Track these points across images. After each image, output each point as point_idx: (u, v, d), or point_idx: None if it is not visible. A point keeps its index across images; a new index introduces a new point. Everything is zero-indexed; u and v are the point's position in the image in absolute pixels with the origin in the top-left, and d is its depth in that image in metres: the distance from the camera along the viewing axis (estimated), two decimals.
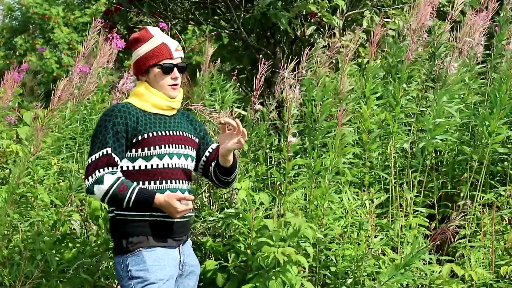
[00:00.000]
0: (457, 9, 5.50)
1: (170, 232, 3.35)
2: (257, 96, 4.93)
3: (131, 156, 3.34)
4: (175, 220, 3.34)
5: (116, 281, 4.42)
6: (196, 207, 4.67)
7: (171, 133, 3.40)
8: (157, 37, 3.43)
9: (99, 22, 5.15)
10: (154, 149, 3.33)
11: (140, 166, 3.34)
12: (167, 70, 3.40)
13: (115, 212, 3.36)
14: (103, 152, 3.30)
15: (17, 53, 19.04)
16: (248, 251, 4.26)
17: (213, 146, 3.58)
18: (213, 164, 3.54)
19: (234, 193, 4.72)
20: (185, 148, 3.43)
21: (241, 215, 4.28)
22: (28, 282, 4.07)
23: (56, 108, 4.39)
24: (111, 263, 4.43)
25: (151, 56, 3.40)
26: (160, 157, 3.34)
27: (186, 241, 3.46)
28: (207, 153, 3.56)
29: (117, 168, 3.31)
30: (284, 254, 4.04)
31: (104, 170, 3.28)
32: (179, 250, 3.40)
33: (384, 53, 5.87)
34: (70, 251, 4.33)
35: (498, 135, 4.99)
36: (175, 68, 3.42)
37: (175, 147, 3.39)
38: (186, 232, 3.45)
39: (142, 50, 3.42)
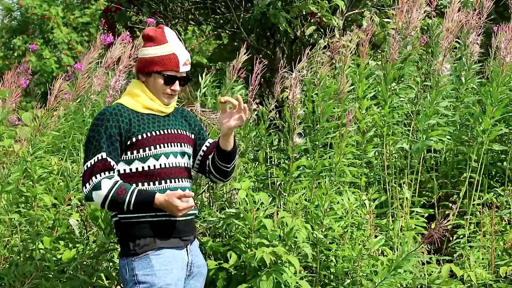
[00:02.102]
0: (455, 8, 5.49)
1: (176, 231, 3.31)
2: (253, 96, 4.94)
3: (127, 158, 3.30)
4: (180, 218, 3.31)
5: (116, 282, 4.41)
6: (196, 207, 4.66)
7: (165, 132, 3.36)
8: (171, 44, 3.35)
9: (101, 23, 5.16)
10: (150, 150, 3.29)
11: (137, 168, 3.30)
12: (169, 81, 3.35)
13: (118, 216, 3.31)
14: (98, 157, 3.25)
15: (16, 54, 19.04)
16: (249, 251, 4.26)
17: (210, 141, 3.53)
18: (210, 157, 3.49)
19: (234, 193, 4.71)
20: (181, 145, 3.39)
21: (241, 215, 4.28)
22: (27, 282, 4.07)
23: (53, 107, 4.39)
24: (110, 264, 4.43)
25: (157, 62, 3.34)
26: (156, 157, 3.30)
27: (193, 241, 3.42)
28: (204, 148, 3.51)
29: (113, 172, 3.26)
30: (276, 254, 4.03)
31: (100, 176, 3.23)
32: (187, 251, 3.36)
33: (383, 53, 5.87)
34: (69, 251, 4.33)
35: (492, 132, 5.00)
36: (177, 81, 3.37)
37: (171, 146, 3.35)
38: (192, 231, 3.41)
39: (151, 52, 3.35)
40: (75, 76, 5.29)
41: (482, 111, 5.04)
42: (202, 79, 5.24)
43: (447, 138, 5.17)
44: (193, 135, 3.50)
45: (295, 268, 4.16)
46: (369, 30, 5.24)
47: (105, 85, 5.39)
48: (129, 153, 3.30)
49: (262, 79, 7.57)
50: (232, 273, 4.31)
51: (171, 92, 3.37)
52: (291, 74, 4.68)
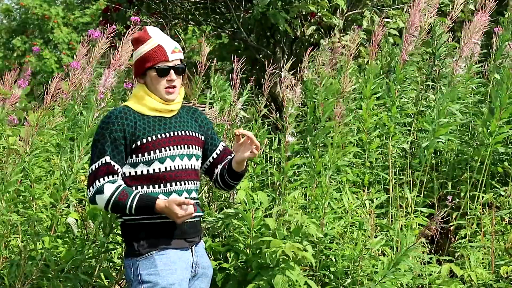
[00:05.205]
0: (457, 9, 5.50)
1: (181, 233, 3.34)
2: (238, 95, 4.96)
3: (132, 162, 3.33)
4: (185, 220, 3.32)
5: (115, 282, 4.41)
6: (202, 208, 4.65)
7: (172, 134, 3.37)
8: (155, 38, 3.39)
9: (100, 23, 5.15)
10: (154, 153, 3.31)
11: (142, 171, 3.32)
12: (161, 72, 3.36)
13: (123, 217, 3.35)
14: (102, 161, 3.29)
15: (16, 54, 19.03)
16: (248, 250, 4.26)
17: (221, 147, 3.55)
18: (219, 166, 3.52)
19: (234, 193, 4.71)
20: (188, 147, 3.40)
21: (240, 215, 4.28)
22: (27, 281, 4.07)
23: (50, 106, 4.40)
24: (110, 264, 4.42)
25: (147, 58, 3.36)
26: (161, 160, 3.32)
27: (198, 242, 3.43)
28: (214, 155, 3.53)
29: (117, 176, 3.30)
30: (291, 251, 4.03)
31: (104, 180, 3.28)
32: (192, 252, 3.38)
33: (383, 53, 5.87)
34: (68, 251, 4.32)
35: (499, 134, 5.00)
36: (171, 71, 3.37)
37: (177, 148, 3.36)
38: (198, 233, 3.43)
39: (140, 51, 3.39)
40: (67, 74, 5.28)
41: (490, 113, 5.02)
42: (212, 80, 5.27)
43: (449, 138, 5.17)
44: (202, 137, 3.50)
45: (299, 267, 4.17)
46: (378, 31, 5.24)
47: (96, 83, 5.38)
48: (134, 156, 3.33)
49: (262, 79, 7.56)
50: (232, 273, 4.31)
51: (169, 84, 3.37)
52: (288, 74, 4.68)
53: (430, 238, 4.82)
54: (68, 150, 4.96)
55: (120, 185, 3.28)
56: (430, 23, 5.48)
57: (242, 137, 3.41)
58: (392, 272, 4.00)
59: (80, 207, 4.56)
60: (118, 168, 3.30)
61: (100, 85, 5.03)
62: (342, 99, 5.00)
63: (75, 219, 4.51)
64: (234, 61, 4.89)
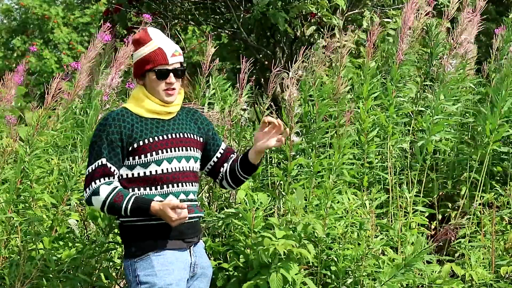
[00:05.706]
0: (453, 8, 5.49)
1: (179, 233, 3.34)
2: (243, 95, 4.95)
3: (129, 164, 3.34)
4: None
5: (115, 282, 4.42)
6: (202, 209, 4.65)
7: (169, 137, 3.38)
8: (155, 40, 3.39)
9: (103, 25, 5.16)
10: (151, 155, 3.32)
11: (139, 173, 3.33)
12: (161, 75, 3.36)
13: (120, 219, 3.37)
14: (98, 163, 3.30)
15: (15, 54, 19.05)
16: (248, 250, 4.26)
17: (223, 147, 3.56)
18: (225, 165, 3.52)
19: (234, 193, 4.71)
20: (186, 150, 3.40)
21: (241, 215, 4.28)
22: (27, 281, 4.07)
23: (50, 107, 4.41)
24: (110, 264, 4.43)
25: (147, 60, 3.37)
26: (158, 163, 3.32)
27: (197, 242, 3.44)
28: (218, 154, 3.54)
29: (113, 178, 3.31)
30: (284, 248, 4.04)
31: (100, 181, 3.29)
32: (190, 252, 3.39)
33: (383, 53, 5.87)
34: (69, 251, 4.32)
35: (498, 133, 5.01)
36: (171, 73, 3.37)
37: (174, 151, 3.36)
38: (196, 233, 3.43)
39: (140, 53, 3.40)
40: (74, 76, 5.29)
41: (490, 111, 5.03)
42: (213, 80, 5.28)
43: (446, 138, 5.17)
44: (202, 139, 3.50)
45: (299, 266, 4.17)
46: (374, 31, 5.24)
47: (101, 83, 5.38)
48: (131, 158, 3.33)
49: (263, 79, 7.57)
50: (232, 273, 4.31)
51: (168, 87, 3.38)
52: (293, 73, 4.67)
53: (430, 237, 4.82)
54: (69, 150, 4.97)
55: (116, 187, 3.29)
56: (425, 22, 5.48)
57: (269, 126, 3.42)
58: (401, 273, 4.01)
59: (81, 207, 4.56)
60: (114, 170, 3.31)
61: (106, 86, 5.04)
62: (337, 100, 5.00)
63: (76, 220, 4.51)
64: (242, 62, 4.88)
